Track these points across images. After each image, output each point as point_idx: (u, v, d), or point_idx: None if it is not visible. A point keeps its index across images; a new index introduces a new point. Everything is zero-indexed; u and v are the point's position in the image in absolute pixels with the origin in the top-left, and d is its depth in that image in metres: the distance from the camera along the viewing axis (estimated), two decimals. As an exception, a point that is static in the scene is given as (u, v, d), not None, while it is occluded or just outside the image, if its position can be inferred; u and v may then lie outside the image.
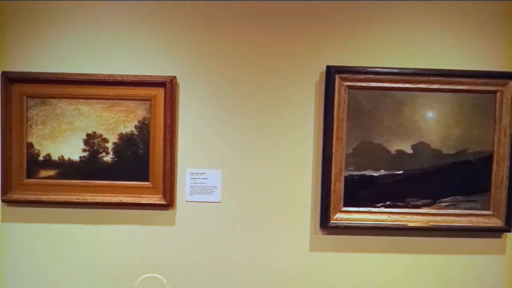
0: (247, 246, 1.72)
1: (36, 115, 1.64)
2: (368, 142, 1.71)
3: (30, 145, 1.64)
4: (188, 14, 1.67)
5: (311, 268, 1.74)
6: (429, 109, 1.71)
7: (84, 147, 1.65)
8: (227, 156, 1.70)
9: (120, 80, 1.61)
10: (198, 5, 1.67)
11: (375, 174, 1.71)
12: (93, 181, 1.66)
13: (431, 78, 1.69)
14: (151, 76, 1.63)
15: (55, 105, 1.64)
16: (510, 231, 1.73)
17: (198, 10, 1.67)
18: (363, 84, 1.68)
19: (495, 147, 1.73)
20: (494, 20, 1.71)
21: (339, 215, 1.71)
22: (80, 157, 1.65)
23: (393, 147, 1.71)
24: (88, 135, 1.65)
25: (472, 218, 1.74)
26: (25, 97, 1.64)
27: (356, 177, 1.71)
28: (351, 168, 1.71)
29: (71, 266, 1.70)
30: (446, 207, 1.74)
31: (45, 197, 1.64)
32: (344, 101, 1.68)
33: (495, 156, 1.73)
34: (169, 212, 1.70)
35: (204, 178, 1.69)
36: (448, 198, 1.74)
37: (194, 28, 1.68)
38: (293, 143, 1.71)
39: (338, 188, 1.70)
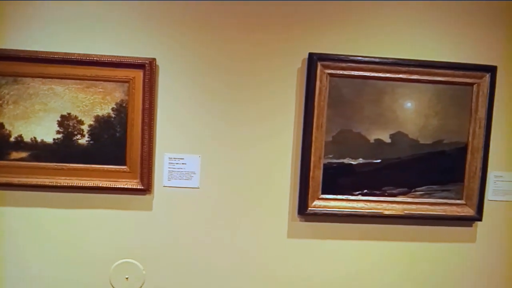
0: (225, 233, 1.72)
1: (8, 94, 1.57)
2: (348, 130, 1.72)
3: (1, 126, 1.57)
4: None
5: (289, 255, 1.75)
6: (408, 99, 1.73)
7: (58, 128, 1.59)
8: (207, 142, 1.68)
9: (97, 60, 1.56)
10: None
11: (353, 163, 1.73)
12: (67, 164, 1.61)
13: (411, 69, 1.70)
14: (130, 57, 1.58)
15: (28, 84, 1.57)
16: (481, 220, 1.78)
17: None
18: (345, 72, 1.68)
19: (470, 138, 1.76)
20: (474, 14, 1.74)
21: (317, 202, 1.72)
22: (54, 139, 1.60)
23: (372, 136, 1.73)
24: (62, 116, 1.59)
25: (446, 207, 1.78)
26: (-4, 75, 1.57)
27: (335, 165, 1.72)
28: (330, 156, 1.71)
29: (44, 251, 1.66)
30: (421, 196, 1.77)
31: (16, 180, 1.58)
32: (326, 88, 1.68)
33: (469, 147, 1.77)
34: (146, 197, 1.67)
35: (182, 163, 1.67)
36: (423, 187, 1.77)
37: (174, 10, 1.63)
38: (274, 130, 1.70)
39: (317, 175, 1.71)
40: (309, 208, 1.71)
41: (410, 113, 1.74)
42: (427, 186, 1.77)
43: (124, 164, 1.63)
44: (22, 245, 1.65)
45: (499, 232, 1.83)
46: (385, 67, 1.69)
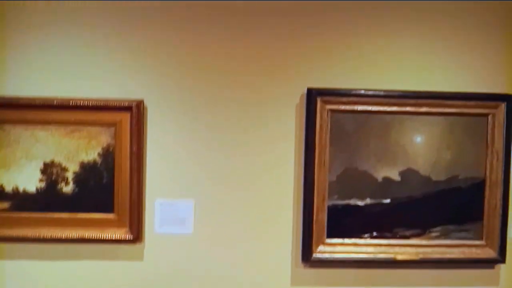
0: (222, 282, 1.58)
1: (-12, 141, 1.49)
2: (353, 168, 1.59)
3: (-19, 175, 1.49)
4: (155, 29, 1.53)
5: (293, 305, 1.61)
6: (417, 133, 1.60)
7: (41, 176, 1.50)
8: (200, 184, 1.56)
9: (80, 104, 1.47)
10: (167, 20, 1.54)
11: (360, 203, 1.59)
12: (51, 214, 1.50)
13: (419, 101, 1.58)
14: (115, 99, 1.49)
15: (9, 131, 1.48)
16: (504, 262, 1.62)
17: (167, 25, 1.54)
18: (347, 107, 1.56)
19: (487, 173, 1.62)
20: (485, 41, 1.61)
21: (322, 248, 1.58)
22: (37, 187, 1.50)
23: (380, 174, 1.59)
24: (45, 163, 1.50)
25: (464, 249, 1.63)
26: (-24, 122, 1.48)
27: (341, 207, 1.59)
28: (335, 197, 1.58)
29: (28, 307, 1.54)
30: (437, 237, 1.62)
31: (-4, 233, 1.48)
32: (327, 125, 1.56)
33: (487, 182, 1.62)
34: (136, 246, 1.55)
35: (175, 209, 1.55)
36: (438, 228, 1.62)
37: (163, 44, 1.54)
38: (273, 170, 1.58)
39: (321, 218, 1.58)
40: (314, 254, 1.57)
41: (421, 148, 1.60)
42: (442, 226, 1.62)
43: (111, 211, 1.52)
44: (5, 302, 1.55)
45: (525, 275, 1.67)
46: (391, 100, 1.57)
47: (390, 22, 1.60)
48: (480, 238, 1.63)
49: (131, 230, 1.52)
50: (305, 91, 1.55)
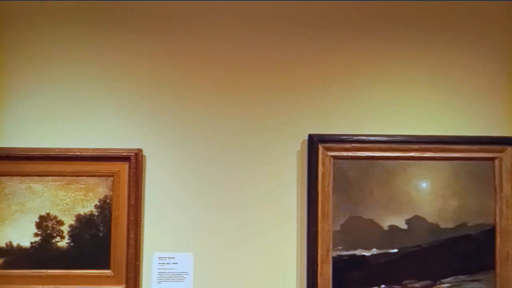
0: None
1: (-17, 194, 1.46)
2: (357, 217, 1.54)
3: (-26, 231, 1.44)
4: (151, 78, 1.53)
5: None
6: (422, 179, 1.56)
7: (36, 231, 1.45)
8: (199, 238, 1.51)
9: (78, 155, 1.45)
10: (164, 66, 1.54)
11: (366, 254, 1.53)
12: (45, 271, 1.44)
13: (423, 146, 1.55)
14: (113, 149, 1.47)
15: (5, 183, 1.45)
16: (521, 315, 1.53)
17: (163, 72, 1.54)
18: (350, 153, 1.53)
19: (497, 219, 1.56)
20: (489, 83, 1.60)
21: (328, 303, 1.50)
22: (31, 242, 1.45)
23: (386, 223, 1.54)
24: (41, 217, 1.46)
25: (478, 301, 1.54)
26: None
27: (346, 258, 1.52)
28: (340, 248, 1.52)
29: None
30: (448, 289, 1.54)
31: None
32: (330, 173, 1.52)
33: (498, 229, 1.56)
34: (133, 304, 1.48)
35: (173, 263, 1.49)
36: (449, 279, 1.55)
37: (160, 92, 1.53)
38: (274, 221, 1.53)
39: (325, 271, 1.51)
40: (320, 311, 1.49)
41: (426, 194, 1.56)
42: (453, 277, 1.55)
43: (108, 267, 1.46)
44: None
45: (544, 328, 1.57)
46: (394, 145, 1.54)
47: (391, 68, 1.59)
48: (494, 289, 1.55)
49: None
50: (306, 138, 1.53)
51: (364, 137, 1.54)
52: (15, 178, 1.46)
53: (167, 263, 1.49)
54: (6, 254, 1.45)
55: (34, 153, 1.45)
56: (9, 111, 1.50)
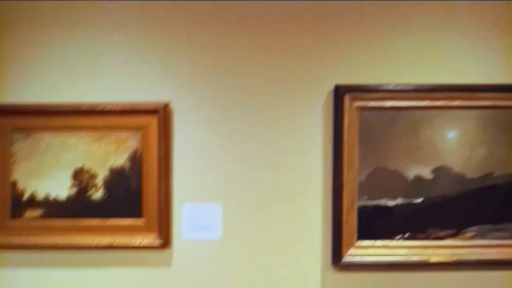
0: (251, 287, 1.56)
1: (20, 149, 1.51)
2: (382, 168, 1.54)
3: (14, 184, 1.51)
4: (179, 32, 1.54)
5: (324, 309, 1.57)
6: (450, 129, 1.55)
7: (71, 183, 1.51)
8: (228, 189, 1.54)
9: (108, 109, 1.48)
10: (192, 22, 1.54)
11: (391, 204, 1.55)
12: (81, 220, 1.51)
13: (451, 94, 1.53)
14: (142, 103, 1.50)
15: (40, 138, 1.50)
16: (546, 262, 1.55)
17: (192, 28, 1.54)
18: (376, 104, 1.52)
19: (524, 169, 1.55)
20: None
21: (352, 251, 1.54)
22: (68, 194, 1.51)
23: (411, 173, 1.54)
24: (76, 170, 1.51)
25: (503, 249, 1.56)
26: (8, 131, 1.51)
27: (371, 207, 1.54)
28: (365, 198, 1.54)
29: (61, 313, 1.56)
30: (472, 238, 1.56)
31: (30, 241, 1.50)
32: (355, 123, 1.52)
33: (525, 179, 1.55)
34: (165, 252, 1.54)
35: (203, 214, 1.54)
36: (474, 228, 1.56)
37: (188, 46, 1.54)
38: (300, 172, 1.55)
39: (351, 220, 1.54)
40: (344, 258, 1.53)
41: (453, 144, 1.55)
42: (478, 226, 1.56)
43: (140, 216, 1.52)
44: (39, 307, 1.56)
45: None
46: (422, 94, 1.52)
47: (416, 18, 1.55)
48: (519, 237, 1.56)
49: (160, 236, 1.51)
50: (332, 88, 1.52)
51: (390, 87, 1.52)
52: (48, 133, 1.51)
53: (197, 214, 1.54)
54: (45, 205, 1.51)
55: (65, 108, 1.48)
56: (41, 66, 1.53)
